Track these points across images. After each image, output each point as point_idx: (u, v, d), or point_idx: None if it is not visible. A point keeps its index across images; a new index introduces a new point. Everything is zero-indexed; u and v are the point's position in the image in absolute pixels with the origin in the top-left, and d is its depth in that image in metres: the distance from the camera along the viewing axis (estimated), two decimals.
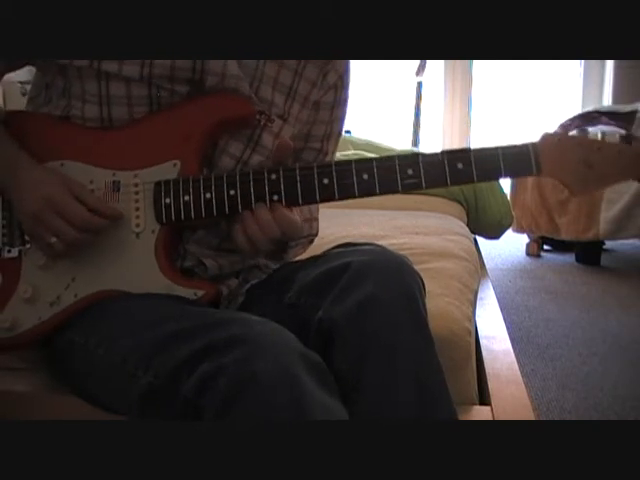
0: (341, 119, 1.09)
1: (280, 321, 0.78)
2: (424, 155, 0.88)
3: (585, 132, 0.88)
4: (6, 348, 0.93)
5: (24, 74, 1.03)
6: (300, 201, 0.88)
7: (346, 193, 0.88)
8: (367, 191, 0.88)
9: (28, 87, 1.03)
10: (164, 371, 0.75)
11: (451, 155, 0.87)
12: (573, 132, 0.89)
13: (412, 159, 0.88)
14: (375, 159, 0.88)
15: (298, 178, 0.88)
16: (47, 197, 0.87)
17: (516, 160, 0.87)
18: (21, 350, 0.97)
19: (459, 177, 0.87)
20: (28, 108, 1.01)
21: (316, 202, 0.90)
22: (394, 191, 0.88)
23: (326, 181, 0.88)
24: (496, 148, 0.87)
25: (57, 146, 0.93)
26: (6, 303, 0.92)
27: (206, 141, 0.93)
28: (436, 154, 0.88)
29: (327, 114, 1.06)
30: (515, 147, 0.88)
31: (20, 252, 0.93)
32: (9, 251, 0.93)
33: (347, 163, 0.88)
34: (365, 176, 0.87)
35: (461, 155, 0.87)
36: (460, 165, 0.87)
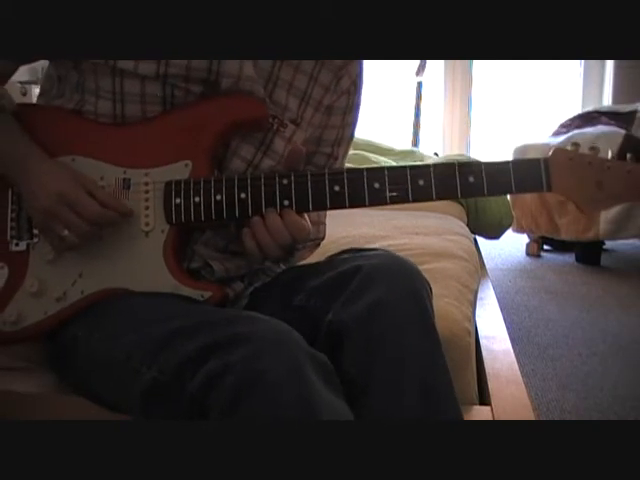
0: (353, 124, 1.09)
1: (286, 323, 0.77)
2: (436, 166, 0.88)
3: (597, 150, 0.88)
4: (11, 342, 0.93)
5: (24, 74, 1.03)
6: (310, 207, 0.88)
7: (357, 201, 0.88)
8: (378, 200, 0.88)
9: (28, 87, 1.03)
10: (169, 367, 0.75)
11: (463, 168, 0.87)
12: (584, 150, 0.88)
13: (424, 170, 0.88)
14: (387, 168, 0.88)
15: (309, 184, 0.88)
16: (59, 192, 0.86)
17: (527, 175, 0.87)
18: (25, 344, 0.97)
19: (470, 190, 0.87)
20: (40, 101, 1.00)
21: (326, 209, 0.90)
22: (404, 201, 0.88)
23: (337, 188, 0.88)
24: (507, 162, 0.88)
25: (68, 141, 0.93)
26: (12, 296, 0.92)
27: (218, 142, 0.93)
28: (448, 165, 0.88)
29: (339, 119, 1.06)
30: (526, 162, 0.88)
31: (28, 246, 0.93)
32: (17, 244, 0.93)
33: (359, 171, 0.88)
34: (376, 185, 0.87)
35: (473, 168, 0.87)
36: (471, 178, 0.87)
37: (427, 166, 0.88)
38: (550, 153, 0.88)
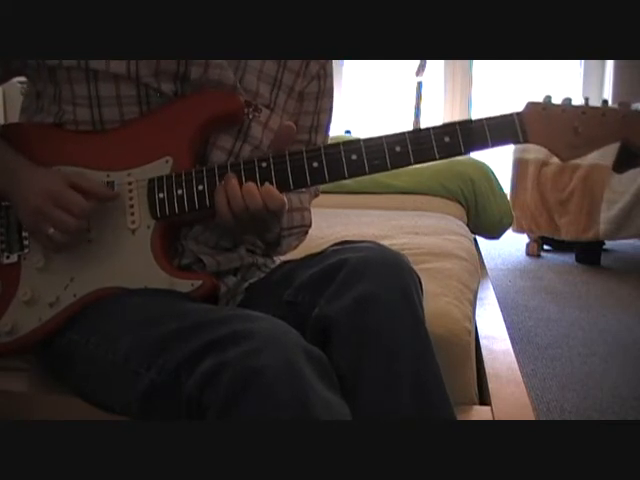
0: (327, 110, 1.10)
1: (280, 319, 0.78)
2: (411, 132, 0.89)
3: (569, 100, 0.89)
4: (7, 352, 0.93)
5: None
6: (291, 185, 0.89)
7: (336, 175, 0.89)
8: (357, 171, 0.89)
9: None
10: (167, 368, 0.75)
11: (437, 130, 0.89)
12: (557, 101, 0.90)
13: (399, 137, 0.89)
14: (363, 139, 0.90)
15: (288, 164, 0.89)
16: (46, 190, 0.88)
17: (502, 129, 0.89)
18: (23, 354, 0.97)
19: (447, 150, 0.89)
20: (22, 118, 1.02)
21: (307, 186, 0.91)
22: (383, 169, 0.89)
23: (316, 164, 0.89)
24: (481, 119, 0.89)
25: (51, 153, 0.94)
26: (6, 308, 0.92)
27: (197, 136, 0.94)
28: (422, 130, 0.89)
29: (312, 104, 1.07)
30: (500, 117, 0.89)
31: (19, 257, 0.93)
32: (8, 257, 0.94)
33: (335, 146, 0.90)
34: (354, 156, 0.89)
35: (448, 129, 0.89)
36: (447, 138, 0.88)
37: (402, 133, 0.89)
38: (524, 106, 0.89)
